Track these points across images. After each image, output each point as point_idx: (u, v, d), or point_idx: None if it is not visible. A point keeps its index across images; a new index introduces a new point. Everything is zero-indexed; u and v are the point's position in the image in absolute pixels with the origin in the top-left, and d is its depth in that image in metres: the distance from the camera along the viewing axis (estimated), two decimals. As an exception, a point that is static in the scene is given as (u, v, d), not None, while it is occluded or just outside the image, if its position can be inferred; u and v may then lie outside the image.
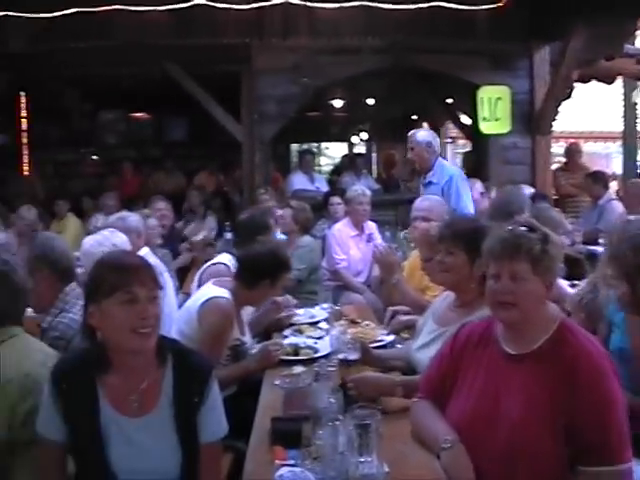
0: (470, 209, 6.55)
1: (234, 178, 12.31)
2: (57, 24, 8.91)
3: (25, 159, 13.51)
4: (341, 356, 3.56)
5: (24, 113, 13.40)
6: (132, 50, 9.15)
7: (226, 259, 5.10)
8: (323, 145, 17.46)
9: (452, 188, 6.51)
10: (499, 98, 9.24)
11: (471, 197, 6.81)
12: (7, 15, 9.01)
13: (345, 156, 13.70)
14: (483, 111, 9.25)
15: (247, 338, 4.28)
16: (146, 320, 2.47)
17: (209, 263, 5.23)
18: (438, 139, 6.96)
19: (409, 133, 6.91)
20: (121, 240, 4.49)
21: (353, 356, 3.55)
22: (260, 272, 4.09)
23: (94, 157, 15.08)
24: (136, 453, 2.50)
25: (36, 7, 8.86)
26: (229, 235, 7.00)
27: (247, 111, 9.57)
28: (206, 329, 3.93)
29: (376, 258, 5.01)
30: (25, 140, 13.50)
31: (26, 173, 13.28)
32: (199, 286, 4.98)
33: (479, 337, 2.78)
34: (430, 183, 6.70)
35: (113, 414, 2.52)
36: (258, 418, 3.20)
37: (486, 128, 9.34)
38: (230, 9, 8.98)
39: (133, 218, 5.43)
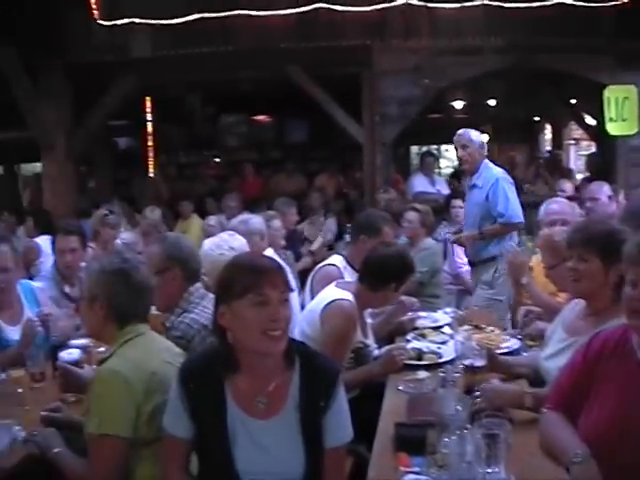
0: (519, 214, 6.30)
1: (354, 180, 12.32)
2: (180, 30, 9.13)
3: (150, 161, 13.89)
4: (467, 362, 3.47)
5: (149, 117, 13.79)
6: (254, 54, 9.29)
7: (337, 260, 5.08)
8: (443, 147, 17.27)
9: (498, 192, 6.28)
10: (626, 98, 8.87)
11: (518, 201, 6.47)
12: (132, 22, 9.29)
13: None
14: (609, 112, 8.89)
15: (370, 341, 4.25)
16: (277, 322, 2.46)
17: (320, 265, 5.22)
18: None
19: (459, 131, 6.66)
20: (239, 243, 4.51)
21: (479, 362, 3.46)
22: (386, 275, 4.05)
23: (216, 159, 15.40)
24: (261, 455, 2.50)
25: (160, 14, 9.11)
26: (348, 237, 7.00)
27: (368, 113, 9.55)
28: (329, 332, 3.92)
29: (506, 259, 4.91)
30: (150, 143, 13.88)
31: (151, 175, 13.66)
32: (310, 287, 4.99)
33: (614, 346, 2.64)
34: (474, 186, 6.51)
35: (240, 415, 2.53)
36: (382, 423, 3.16)
37: (613, 129, 8.99)
38: (351, 11, 9.00)
39: (255, 220, 5.47)
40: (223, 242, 4.39)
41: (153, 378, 2.73)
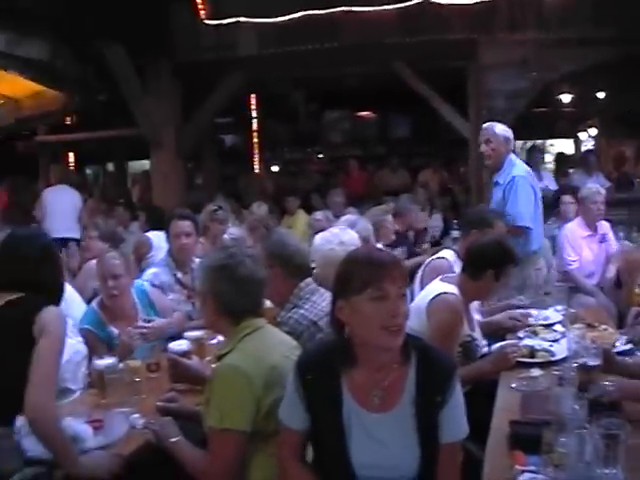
0: (526, 217, 5.85)
1: (459, 175, 12.20)
2: (285, 27, 9.21)
3: (255, 158, 14.08)
4: (581, 361, 3.39)
5: (254, 114, 13.97)
6: (359, 50, 9.29)
7: (448, 254, 5.04)
8: (548, 142, 16.91)
9: (512, 191, 5.91)
10: None
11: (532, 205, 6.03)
12: (238, 21, 9.43)
13: (560, 154, 13.08)
14: None
15: (477, 334, 4.20)
16: (396, 318, 2.44)
17: (431, 258, 5.18)
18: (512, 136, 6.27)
19: (484, 125, 6.35)
20: (349, 237, 4.51)
21: (594, 362, 3.37)
22: (484, 263, 3.99)
23: (320, 155, 15.48)
24: (376, 448, 2.50)
25: (265, 12, 9.21)
26: (455, 233, 6.92)
27: (474, 107, 9.45)
28: (435, 326, 3.89)
29: (622, 258, 4.77)
30: (255, 140, 14.06)
31: (257, 171, 13.84)
32: (420, 280, 4.95)
33: None
34: (496, 183, 6.20)
35: (355, 408, 2.53)
36: (495, 420, 3.12)
37: None
38: (456, 5, 8.93)
39: (362, 223, 5.43)
40: (333, 237, 4.41)
41: (272, 372, 2.75)
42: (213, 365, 3.74)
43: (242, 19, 9.52)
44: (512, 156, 6.14)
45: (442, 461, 2.53)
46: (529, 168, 6.22)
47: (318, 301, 3.54)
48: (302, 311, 3.55)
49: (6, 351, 2.80)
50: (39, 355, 2.75)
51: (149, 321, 4.46)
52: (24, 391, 2.68)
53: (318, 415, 2.55)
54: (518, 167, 6.07)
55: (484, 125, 6.32)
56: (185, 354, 3.81)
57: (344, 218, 5.52)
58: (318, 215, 7.83)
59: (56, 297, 3.05)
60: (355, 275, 2.49)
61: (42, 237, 3.24)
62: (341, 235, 4.46)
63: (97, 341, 4.34)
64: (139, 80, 9.34)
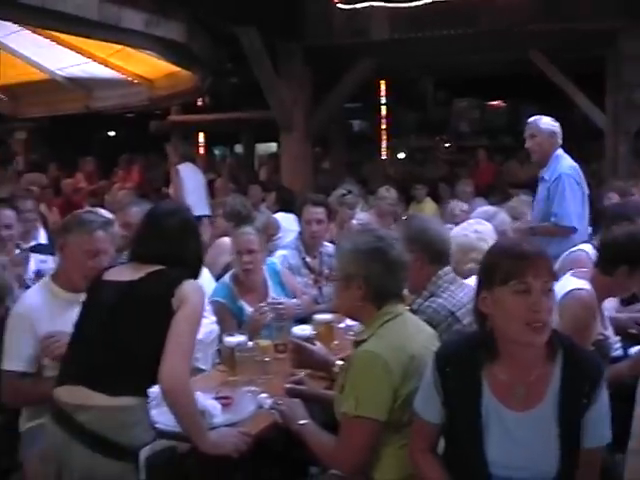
0: (573, 217, 5.58)
1: (591, 169, 11.81)
2: (419, 13, 9.09)
3: (382, 144, 14.04)
4: None
5: (383, 100, 13.92)
6: (494, 37, 9.10)
7: (587, 248, 4.86)
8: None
9: (558, 189, 5.63)
10: None
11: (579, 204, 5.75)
12: (371, 5, 9.37)
13: None
14: None
15: (609, 332, 4.03)
16: (538, 313, 2.33)
17: (569, 251, 5.01)
18: (560, 130, 5.95)
19: (530, 119, 6.04)
20: (485, 228, 4.42)
21: None
22: (617, 257, 3.79)
23: (446, 144, 15.30)
24: (513, 448, 2.41)
25: (398, -4, 9.13)
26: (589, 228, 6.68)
27: (612, 98, 9.11)
28: (568, 324, 3.73)
29: None
30: (383, 126, 14.02)
31: (383, 157, 13.81)
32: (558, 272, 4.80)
33: None
34: (542, 179, 5.88)
35: (495, 405, 2.44)
36: (637, 427, 2.97)
37: None
38: (597, -9, 8.62)
39: (502, 216, 5.31)
40: (469, 225, 4.34)
41: (412, 362, 2.68)
42: (337, 352, 3.78)
43: (375, 4, 9.45)
44: (559, 152, 5.88)
45: (582, 467, 2.41)
46: (575, 164, 5.93)
47: (456, 291, 3.45)
48: (440, 300, 3.47)
49: (145, 322, 2.82)
50: (176, 325, 2.76)
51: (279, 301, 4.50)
52: (160, 362, 2.71)
53: (455, 409, 2.48)
54: (564, 163, 5.83)
55: (529, 119, 6.10)
56: (308, 339, 3.79)
57: (481, 209, 5.39)
58: (456, 210, 7.64)
59: (195, 271, 3.08)
60: (499, 266, 2.40)
61: (184, 212, 3.25)
62: (475, 225, 4.39)
63: (228, 314, 4.43)
64: (272, 63, 9.41)
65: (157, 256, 2.97)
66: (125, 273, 2.99)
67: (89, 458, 2.69)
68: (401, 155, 14.88)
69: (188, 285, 2.86)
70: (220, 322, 4.24)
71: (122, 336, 2.81)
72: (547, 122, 5.91)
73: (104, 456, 2.68)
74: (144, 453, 2.76)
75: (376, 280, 2.81)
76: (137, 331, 2.81)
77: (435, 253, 3.54)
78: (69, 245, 3.55)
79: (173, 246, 3.00)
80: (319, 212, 5.30)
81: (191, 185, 8.51)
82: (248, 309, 4.49)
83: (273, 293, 4.64)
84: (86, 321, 2.97)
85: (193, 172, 8.70)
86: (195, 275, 3.02)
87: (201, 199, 8.72)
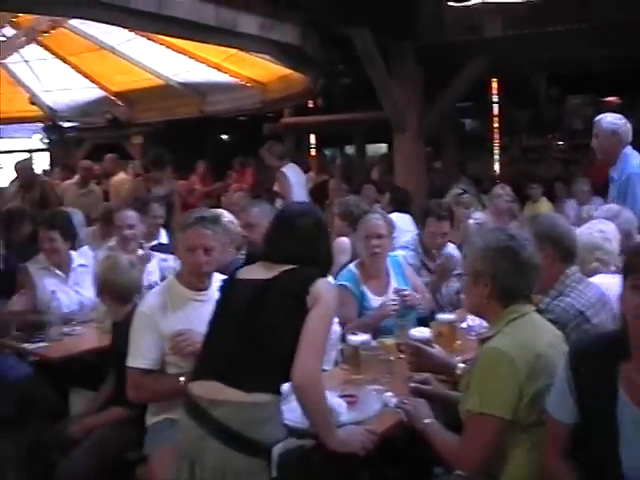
0: None
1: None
2: (533, 8, 8.90)
3: (495, 143, 13.85)
4: None
5: (495, 98, 13.73)
6: (610, 31, 8.83)
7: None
8: None
9: (628, 188, 5.38)
10: None
11: None
12: (483, 2, 9.22)
13: None
14: None
15: None
16: None
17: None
18: (629, 125, 5.61)
19: (596, 118, 5.75)
20: (608, 227, 4.32)
21: None
22: None
23: (560, 142, 14.95)
24: None
25: (511, -8, 8.96)
26: None
27: None
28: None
29: None
30: (495, 125, 13.83)
31: (495, 156, 13.62)
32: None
33: None
34: (612, 179, 5.59)
35: (630, 408, 2.38)
36: None
37: None
38: None
39: (627, 215, 5.16)
40: (592, 224, 4.26)
41: (538, 361, 2.64)
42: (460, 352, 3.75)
43: (488, 0, 9.31)
44: (627, 149, 5.61)
45: None
46: None
47: (585, 290, 3.37)
48: (569, 299, 3.39)
49: (279, 319, 2.85)
50: (310, 323, 2.79)
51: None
52: (293, 360, 2.74)
53: (589, 410, 2.43)
54: (633, 162, 5.57)
55: (595, 118, 5.85)
56: (427, 342, 3.77)
57: (605, 208, 5.24)
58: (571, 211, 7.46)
59: (326, 270, 3.11)
60: (625, 261, 2.40)
61: (314, 211, 3.29)
62: (599, 224, 4.29)
63: (350, 298, 4.53)
64: (384, 63, 9.39)
65: (289, 255, 3.01)
66: (258, 272, 3.04)
67: (222, 453, 2.74)
68: (514, 154, 14.61)
69: (322, 283, 2.89)
70: (341, 305, 4.27)
71: (258, 333, 2.86)
72: (610, 120, 5.70)
73: (237, 451, 2.73)
74: (277, 450, 2.80)
75: (504, 278, 2.79)
76: (272, 328, 2.85)
77: (565, 250, 3.46)
78: (177, 243, 3.72)
79: (305, 245, 3.04)
80: (444, 226, 5.31)
81: (295, 186, 8.52)
82: (370, 295, 4.58)
83: (395, 284, 4.71)
84: (221, 319, 3.03)
85: (296, 173, 8.73)
86: (325, 274, 3.04)
87: (303, 200, 8.77)
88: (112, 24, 8.21)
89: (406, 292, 4.56)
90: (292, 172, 8.62)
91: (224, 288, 3.14)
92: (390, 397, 3.26)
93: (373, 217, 4.82)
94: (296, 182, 8.58)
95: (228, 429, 2.73)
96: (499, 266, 2.78)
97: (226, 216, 4.88)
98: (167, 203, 6.87)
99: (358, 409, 3.17)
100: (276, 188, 8.63)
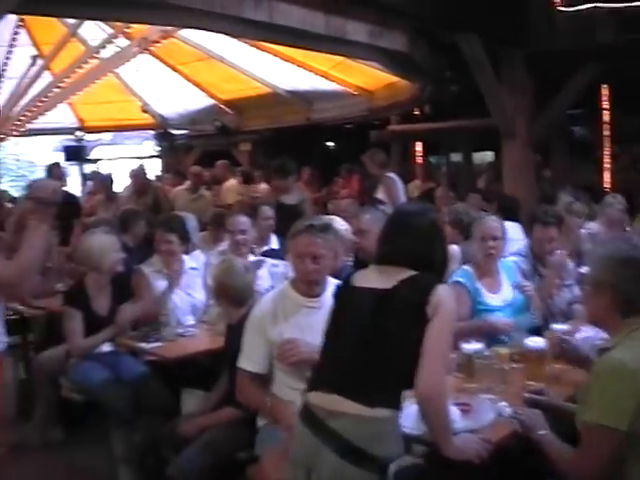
0: None
1: None
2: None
3: (605, 151, 13.50)
4: None
5: (606, 105, 13.38)
6: None
7: None
8: None
9: None
10: None
11: None
12: (595, 7, 9.03)
13: None
14: None
15: None
16: None
17: None
18: None
19: None
20: None
21: None
22: None
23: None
24: None
25: (623, -4, 8.74)
26: None
27: None
28: None
29: None
30: (606, 132, 13.49)
31: (606, 165, 13.28)
32: None
33: None
34: None
35: None
36: None
37: None
38: None
39: None
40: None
41: None
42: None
43: (599, 5, 9.10)
44: None
45: None
46: None
47: None
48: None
49: (402, 330, 2.82)
50: (433, 333, 2.76)
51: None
52: (414, 371, 2.72)
53: None
54: None
55: None
56: (541, 352, 3.73)
57: None
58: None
59: (443, 275, 3.08)
60: None
61: (430, 211, 3.24)
62: None
63: (465, 294, 4.55)
64: (493, 70, 9.29)
65: (405, 255, 2.97)
66: (375, 280, 3.01)
67: (338, 465, 2.72)
68: (624, 163, 14.21)
69: (441, 291, 2.85)
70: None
71: (380, 347, 2.83)
72: None
73: (353, 464, 2.71)
74: (393, 467, 2.79)
75: (625, 289, 2.72)
76: (396, 339, 2.83)
77: None
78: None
79: (421, 245, 3.00)
80: (551, 232, 5.24)
81: (400, 193, 8.47)
82: (484, 291, 4.62)
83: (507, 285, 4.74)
84: (341, 328, 3.00)
85: (398, 180, 8.67)
86: (442, 279, 3.02)
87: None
88: (225, 34, 8.40)
89: (526, 285, 4.66)
90: (392, 180, 8.55)
91: (339, 295, 3.13)
92: (504, 407, 3.22)
93: (489, 219, 4.89)
94: (399, 190, 8.52)
95: (345, 442, 2.72)
96: (621, 276, 2.73)
97: (338, 223, 4.91)
98: (298, 212, 6.85)
99: (472, 418, 3.15)
100: (379, 195, 8.56)
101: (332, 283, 3.65)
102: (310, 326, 3.33)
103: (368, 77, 12.35)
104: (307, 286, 3.67)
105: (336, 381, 2.85)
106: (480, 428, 3.06)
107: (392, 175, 8.48)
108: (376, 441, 2.74)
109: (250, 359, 3.65)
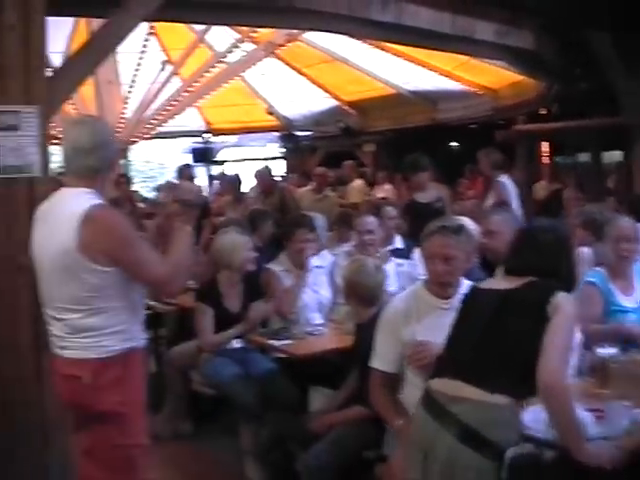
0: None
1: None
2: None
3: None
4: None
5: None
6: None
7: None
8: None
9: None
10: None
11: None
12: None
13: None
14: None
15: None
16: None
17: None
18: None
19: None
20: None
21: None
22: None
23: None
24: None
25: None
26: None
27: None
28: None
29: None
30: None
31: None
32: None
33: None
34: None
35: None
36: None
37: None
38: None
39: None
40: None
41: None
42: None
43: None
44: None
45: None
46: None
47: None
48: None
49: (522, 326, 2.88)
50: (552, 329, 2.80)
51: None
52: (534, 366, 2.73)
53: None
54: None
55: None
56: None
57: None
58: None
59: (570, 287, 3.09)
60: None
61: (558, 229, 3.32)
62: None
63: (597, 294, 4.50)
64: (623, 67, 9.02)
65: (529, 267, 3.06)
66: (499, 283, 3.14)
67: (455, 447, 2.78)
68: None
69: (562, 295, 2.90)
70: (587, 303, 4.32)
71: (502, 339, 2.90)
72: None
73: (470, 448, 2.76)
74: (509, 453, 2.78)
75: None
76: (515, 335, 2.88)
77: None
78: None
79: (545, 259, 3.08)
80: None
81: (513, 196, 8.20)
82: (618, 292, 4.53)
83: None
84: (465, 324, 3.09)
85: (510, 184, 8.39)
86: (568, 290, 3.01)
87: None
88: (352, 36, 8.46)
89: None
90: (506, 182, 8.28)
91: (467, 297, 3.22)
92: (639, 414, 3.13)
93: (623, 220, 4.79)
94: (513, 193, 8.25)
95: (464, 426, 2.78)
96: None
97: (469, 224, 4.88)
98: (432, 210, 6.73)
99: (605, 424, 3.07)
100: (489, 200, 8.29)
101: (465, 285, 3.65)
102: (442, 327, 3.33)
103: (492, 76, 12.19)
104: (439, 287, 3.68)
105: (459, 369, 2.93)
106: (614, 435, 2.98)
107: (504, 179, 8.22)
108: (494, 427, 2.78)
109: (382, 359, 3.69)
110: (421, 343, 3.54)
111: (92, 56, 4.57)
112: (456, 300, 3.54)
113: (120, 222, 3.13)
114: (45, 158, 3.95)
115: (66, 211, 3.05)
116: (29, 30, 3.89)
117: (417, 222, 5.29)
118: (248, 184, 10.67)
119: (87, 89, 11.69)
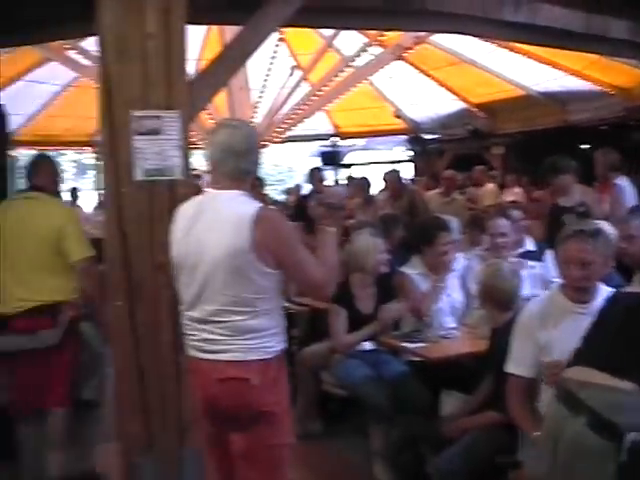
0: None
1: None
2: None
3: None
4: None
5: None
6: None
7: None
8: None
9: None
10: None
11: None
12: None
13: None
14: None
15: None
16: None
17: None
18: None
19: None
20: None
21: None
22: None
23: None
24: None
25: None
26: None
27: None
28: None
29: None
30: None
31: None
32: None
33: None
34: None
35: None
36: None
37: None
38: None
39: None
40: None
41: None
42: None
43: None
44: None
45: None
46: None
47: None
48: None
49: None
50: None
51: None
52: None
53: None
54: None
55: None
56: None
57: None
58: None
59: None
60: None
61: None
62: None
63: None
64: None
65: None
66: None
67: (580, 430, 2.72)
68: None
69: None
70: None
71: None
72: None
73: (593, 431, 2.69)
74: (631, 437, 2.74)
75: None
76: None
77: None
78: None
79: None
80: None
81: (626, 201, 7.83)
82: None
83: None
84: (604, 325, 3.04)
85: (628, 186, 7.99)
86: None
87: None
88: (486, 37, 8.38)
89: None
90: (623, 186, 7.88)
91: (608, 301, 3.13)
92: None
93: None
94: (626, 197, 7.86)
95: (589, 408, 2.72)
96: None
97: (607, 228, 4.77)
98: (577, 215, 6.53)
99: None
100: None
101: (604, 290, 3.58)
102: (579, 332, 3.29)
103: (625, 75, 11.81)
104: (575, 292, 3.63)
105: (593, 360, 2.88)
106: None
107: (621, 182, 7.91)
108: (617, 410, 2.71)
109: (519, 363, 3.67)
110: (556, 363, 3.50)
111: (230, 62, 4.66)
112: (594, 305, 3.49)
113: (286, 224, 3.21)
114: (186, 161, 4.06)
115: (229, 213, 3.08)
116: (170, 38, 4.00)
117: (556, 226, 5.17)
118: (376, 187, 10.73)
119: (219, 95, 11.97)
